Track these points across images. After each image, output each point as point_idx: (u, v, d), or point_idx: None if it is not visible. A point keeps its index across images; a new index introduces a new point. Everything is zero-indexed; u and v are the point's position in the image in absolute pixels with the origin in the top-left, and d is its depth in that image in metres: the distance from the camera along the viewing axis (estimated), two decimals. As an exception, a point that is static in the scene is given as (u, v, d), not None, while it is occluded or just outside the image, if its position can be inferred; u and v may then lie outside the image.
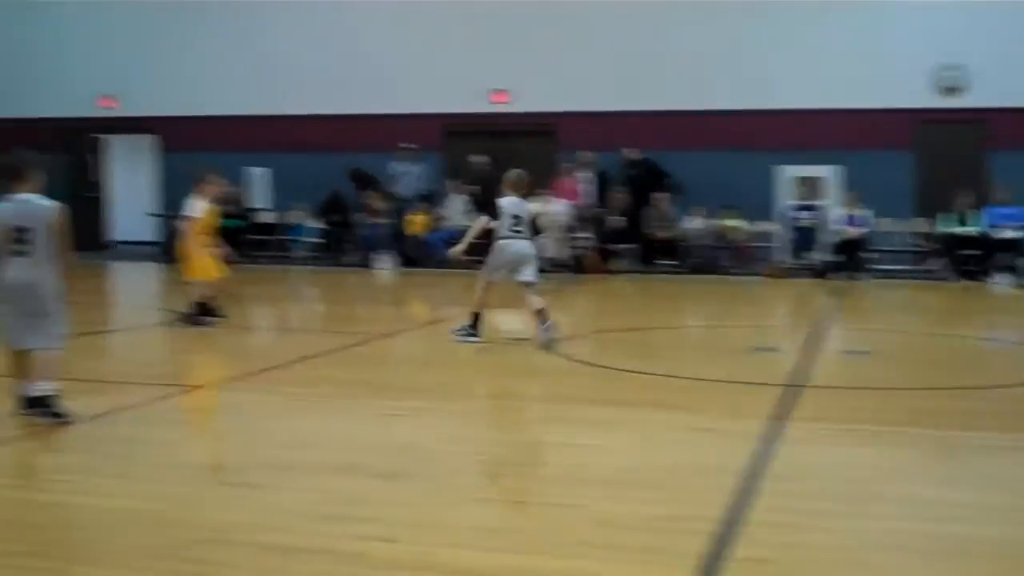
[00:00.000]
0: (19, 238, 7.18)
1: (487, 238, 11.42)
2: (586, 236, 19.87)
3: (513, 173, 11.36)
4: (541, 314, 10.88)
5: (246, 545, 4.98)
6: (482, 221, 11.72)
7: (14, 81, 24.12)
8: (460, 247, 11.52)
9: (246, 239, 22.24)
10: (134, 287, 19.82)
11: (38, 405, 7.19)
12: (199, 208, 12.52)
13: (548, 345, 10.57)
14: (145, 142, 24.61)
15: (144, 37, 23.55)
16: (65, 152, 24.33)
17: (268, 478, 6.09)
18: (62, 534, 5.20)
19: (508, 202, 11.19)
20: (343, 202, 21.91)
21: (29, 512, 5.51)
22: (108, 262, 21.94)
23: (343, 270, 20.77)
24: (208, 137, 22.90)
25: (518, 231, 11.09)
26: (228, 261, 12.97)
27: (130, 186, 26.50)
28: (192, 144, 22.90)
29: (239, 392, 8.83)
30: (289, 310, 16.02)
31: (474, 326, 11.25)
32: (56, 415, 7.21)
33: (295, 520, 5.31)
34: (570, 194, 20.13)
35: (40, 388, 7.20)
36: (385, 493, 5.83)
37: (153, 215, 23.97)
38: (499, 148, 21.84)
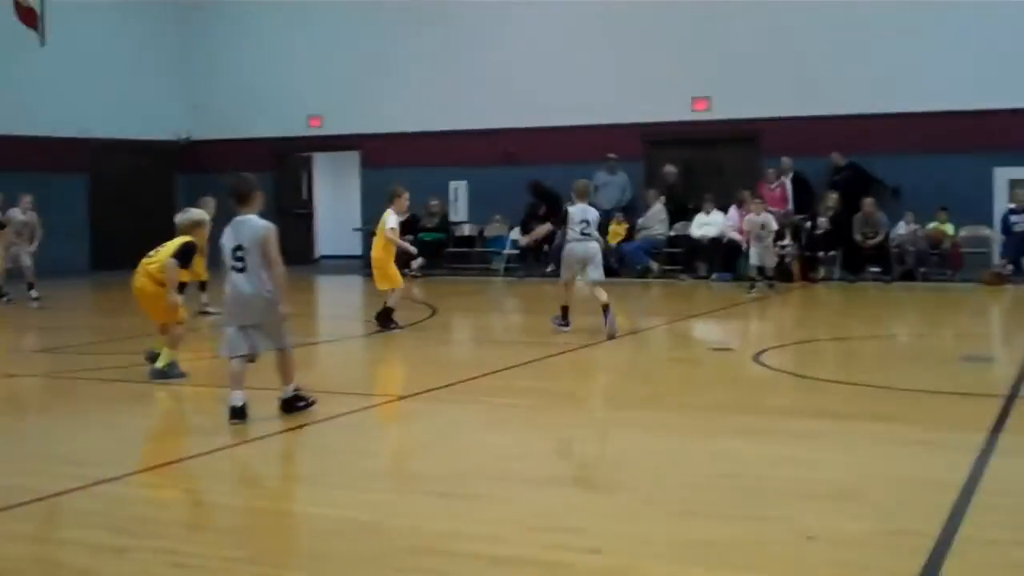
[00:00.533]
0: (236, 255, 7.83)
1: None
2: (789, 243, 19.50)
3: (580, 183, 13.18)
4: (607, 309, 12.38)
5: (456, 555, 5.03)
6: (545, 228, 14.80)
7: (233, 105, 25.12)
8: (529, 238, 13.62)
9: (447, 252, 22.65)
10: (340, 300, 20.33)
11: (292, 405, 8.00)
12: (392, 221, 13.16)
13: (612, 335, 12.06)
14: (349, 159, 25.31)
15: (347, 58, 24.19)
16: (277, 171, 25.24)
17: (476, 488, 6.15)
18: (280, 542, 5.35)
19: (576, 209, 12.82)
20: (558, 208, 22.04)
21: (247, 519, 5.69)
22: (316, 276, 22.58)
23: (542, 281, 20.89)
24: (409, 152, 23.39)
25: (587, 234, 12.76)
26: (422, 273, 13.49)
27: (336, 202, 27.33)
28: (394, 160, 23.44)
29: (444, 403, 8.95)
30: (490, 321, 16.18)
31: (564, 317, 12.96)
32: (307, 404, 8.07)
33: (503, 530, 5.35)
34: (773, 201, 19.80)
35: (289, 389, 8.01)
36: (591, 504, 5.82)
37: (358, 230, 24.60)
38: (700, 157, 21.68)
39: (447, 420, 8.32)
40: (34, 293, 16.76)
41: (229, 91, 25.32)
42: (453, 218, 23.33)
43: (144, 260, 10.04)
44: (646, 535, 5.27)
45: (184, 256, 9.85)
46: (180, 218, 10.34)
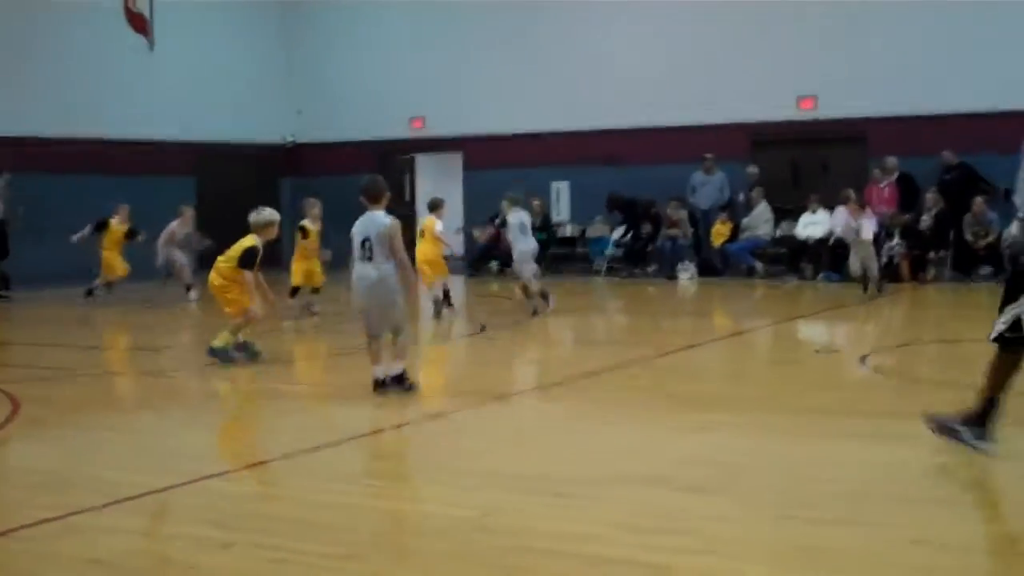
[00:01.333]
0: (364, 246, 8.80)
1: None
2: (898, 243, 19.13)
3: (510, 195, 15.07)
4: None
5: (560, 554, 4.99)
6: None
7: (336, 108, 25.39)
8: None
9: (548, 252, 22.64)
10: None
11: (398, 382, 8.84)
12: (439, 226, 15.24)
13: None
14: (452, 160, 25.42)
15: (449, 59, 24.29)
16: (380, 173, 25.41)
17: (580, 488, 6.10)
18: (380, 538, 5.36)
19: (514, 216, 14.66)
20: (644, 214, 21.95)
21: (351, 516, 5.70)
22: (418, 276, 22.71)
23: (645, 281, 20.79)
24: (511, 153, 23.44)
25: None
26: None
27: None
28: (495, 160, 23.51)
29: (546, 402, 8.92)
30: (592, 321, 16.12)
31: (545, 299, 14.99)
32: (410, 387, 8.86)
33: (607, 531, 5.30)
34: (880, 201, 19.44)
35: (397, 367, 8.84)
36: (695, 506, 5.74)
37: (460, 231, 24.70)
38: (806, 156, 21.39)
39: (550, 420, 8.29)
40: (193, 295, 17.37)
41: (332, 94, 25.59)
42: (555, 219, 23.30)
43: (219, 258, 11.14)
44: (750, 538, 5.19)
45: (246, 261, 10.81)
46: (254, 217, 11.07)
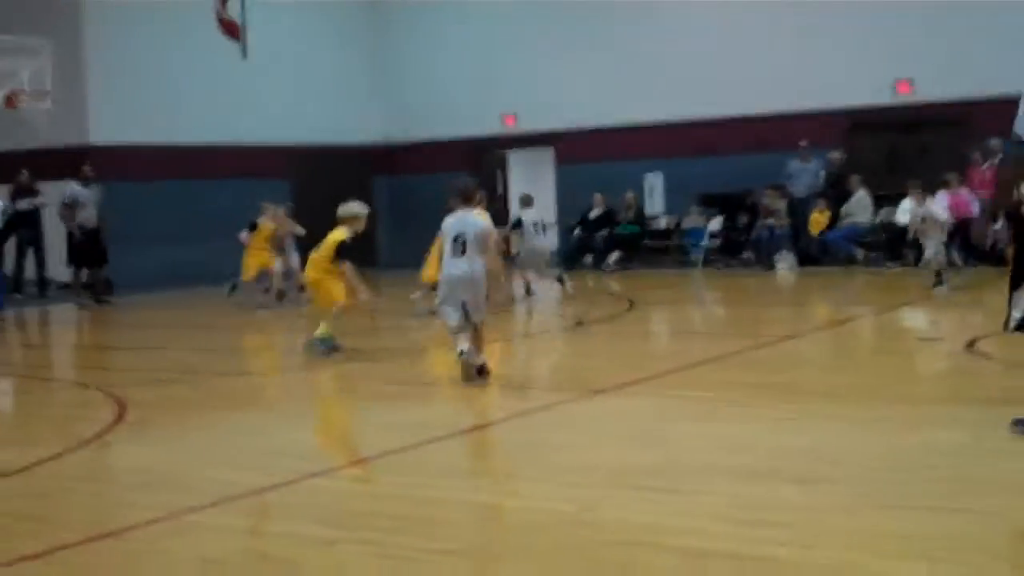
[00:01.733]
0: (455, 242, 9.23)
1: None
2: (1002, 226, 18.68)
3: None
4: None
5: (661, 548, 4.97)
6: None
7: (429, 107, 25.53)
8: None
9: (643, 245, 22.56)
10: (536, 294, 20.40)
11: (484, 371, 9.23)
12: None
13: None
14: (544, 156, 25.42)
15: (539, 54, 24.28)
16: (473, 170, 25.54)
17: (680, 481, 6.07)
18: (485, 534, 5.37)
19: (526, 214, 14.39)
20: (740, 203, 21.75)
21: (447, 511, 5.73)
22: (510, 271, 22.72)
23: (742, 272, 20.59)
24: (603, 146, 23.37)
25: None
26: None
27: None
28: (588, 154, 23.46)
29: (644, 396, 8.88)
30: (689, 313, 16.02)
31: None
32: (487, 374, 9.26)
33: (710, 524, 5.26)
34: (982, 185, 19.03)
35: (482, 357, 9.26)
36: (797, 498, 5.67)
37: (553, 225, 24.70)
38: (904, 140, 21.03)
39: (649, 413, 8.25)
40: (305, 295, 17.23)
41: (424, 93, 25.71)
42: (648, 211, 23.18)
43: (313, 253, 11.83)
44: (856, 529, 5.11)
45: (341, 252, 11.37)
46: (342, 210, 11.74)
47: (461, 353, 9.15)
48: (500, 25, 24.87)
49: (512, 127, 25.01)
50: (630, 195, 22.72)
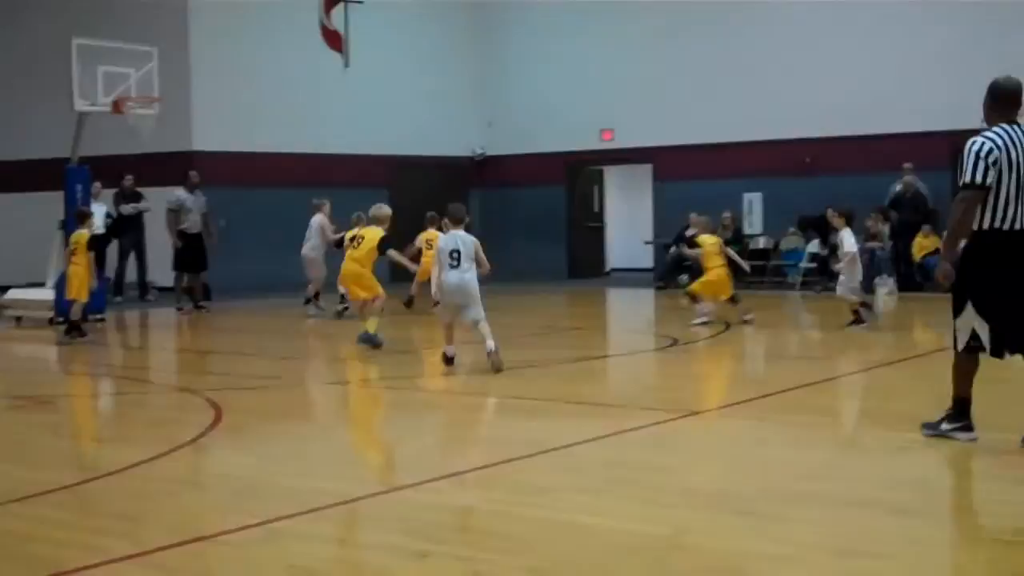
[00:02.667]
0: (451, 256, 11.00)
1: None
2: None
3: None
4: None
5: (754, 576, 4.86)
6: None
7: (526, 120, 25.55)
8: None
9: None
10: (631, 313, 20.29)
11: (489, 355, 10.87)
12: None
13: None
14: (641, 172, 25.29)
15: (638, 70, 24.20)
16: (569, 184, 25.52)
17: (776, 508, 5.94)
18: (575, 554, 5.29)
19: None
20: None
21: (542, 530, 5.66)
22: (607, 288, 22.65)
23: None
24: (702, 164, 23.20)
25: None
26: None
27: (628, 215, 27.40)
28: (686, 172, 23.30)
29: (739, 419, 8.74)
30: (786, 336, 15.78)
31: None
32: (497, 355, 10.86)
33: (804, 552, 5.14)
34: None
35: (490, 344, 10.83)
36: (895, 529, 5.51)
37: (649, 243, 24.56)
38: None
39: (744, 436, 8.11)
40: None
41: (522, 107, 25.75)
42: (747, 231, 22.93)
43: (351, 251, 13.46)
44: (962, 564, 4.96)
45: (383, 247, 13.27)
46: (376, 211, 13.63)
47: (447, 360, 11.12)
48: (601, 40, 24.81)
49: (610, 142, 24.93)
50: (727, 214, 22.48)
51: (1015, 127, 7.12)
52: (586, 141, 24.97)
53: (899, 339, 14.97)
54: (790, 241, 22.30)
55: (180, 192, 18.86)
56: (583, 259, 25.55)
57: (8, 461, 7.69)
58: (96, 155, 18.09)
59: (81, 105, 16.71)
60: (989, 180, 6.90)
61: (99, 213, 19.35)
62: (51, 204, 17.98)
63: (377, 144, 23.72)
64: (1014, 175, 6.94)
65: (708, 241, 15.50)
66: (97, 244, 16.38)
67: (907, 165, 20.68)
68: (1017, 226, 7.00)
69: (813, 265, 21.52)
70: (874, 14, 21.75)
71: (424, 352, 13.44)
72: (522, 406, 9.75)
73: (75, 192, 17.01)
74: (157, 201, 19.61)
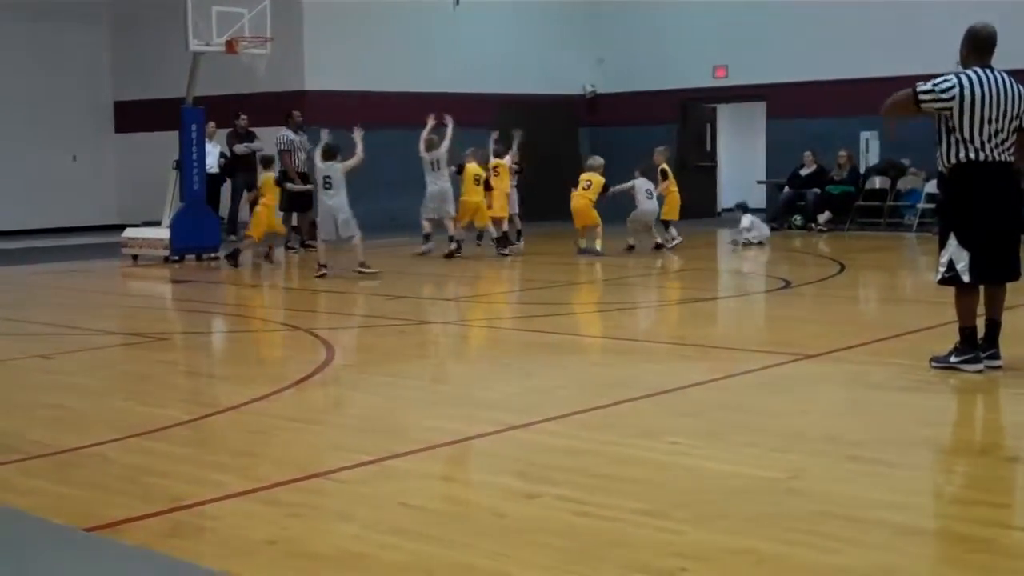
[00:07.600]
0: (326, 182, 14.47)
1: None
2: None
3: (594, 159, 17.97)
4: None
5: (864, 521, 4.79)
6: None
7: (637, 58, 25.25)
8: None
9: (856, 206, 21.85)
10: (742, 254, 20.05)
11: (360, 268, 14.64)
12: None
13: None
14: (755, 110, 24.88)
15: (752, 5, 23.72)
16: (681, 123, 25.20)
17: (892, 454, 5.84)
18: (685, 497, 5.27)
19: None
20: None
21: (654, 472, 5.66)
22: (718, 230, 22.38)
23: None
24: (817, 101, 22.74)
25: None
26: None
27: (741, 154, 27.00)
28: (801, 109, 22.86)
29: (855, 363, 8.60)
30: (902, 279, 15.48)
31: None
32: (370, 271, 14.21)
33: (918, 499, 5.07)
34: None
35: (360, 259, 14.59)
36: (1016, 477, 5.40)
37: (762, 182, 24.19)
38: None
39: (860, 381, 7.99)
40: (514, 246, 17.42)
41: (634, 44, 25.41)
42: (863, 170, 22.43)
43: (580, 189, 16.94)
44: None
45: (605, 189, 17.02)
46: (591, 162, 17.34)
47: (322, 269, 14.58)
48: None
49: (723, 79, 24.53)
50: (844, 153, 22.02)
51: (987, 70, 8.07)
52: (699, 78, 24.60)
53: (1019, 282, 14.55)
54: (908, 181, 21.77)
55: (287, 132, 19.02)
56: (695, 199, 25.25)
57: (129, 397, 7.90)
58: (210, 95, 18.32)
59: (195, 45, 16.93)
60: (923, 103, 8.15)
61: (212, 153, 19.63)
62: (167, 144, 18.29)
63: (486, 82, 23.65)
64: (986, 110, 7.76)
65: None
66: (212, 183, 16.82)
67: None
68: (991, 158, 7.67)
69: (931, 206, 21.00)
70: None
71: (554, 293, 13.41)
72: (635, 347, 9.72)
73: (190, 132, 17.28)
74: (268, 140, 19.82)
